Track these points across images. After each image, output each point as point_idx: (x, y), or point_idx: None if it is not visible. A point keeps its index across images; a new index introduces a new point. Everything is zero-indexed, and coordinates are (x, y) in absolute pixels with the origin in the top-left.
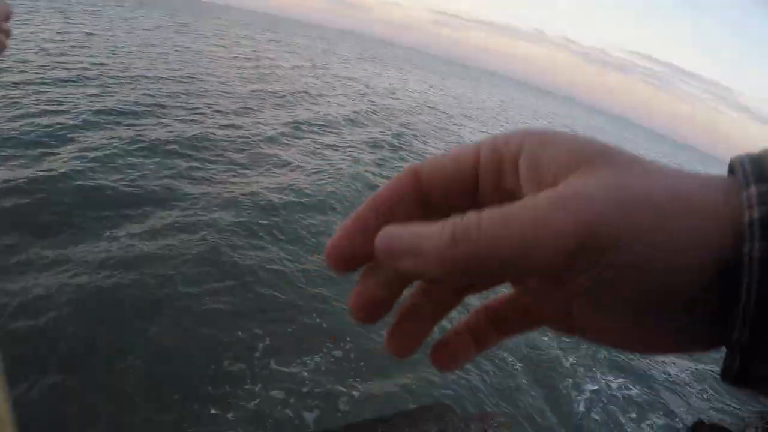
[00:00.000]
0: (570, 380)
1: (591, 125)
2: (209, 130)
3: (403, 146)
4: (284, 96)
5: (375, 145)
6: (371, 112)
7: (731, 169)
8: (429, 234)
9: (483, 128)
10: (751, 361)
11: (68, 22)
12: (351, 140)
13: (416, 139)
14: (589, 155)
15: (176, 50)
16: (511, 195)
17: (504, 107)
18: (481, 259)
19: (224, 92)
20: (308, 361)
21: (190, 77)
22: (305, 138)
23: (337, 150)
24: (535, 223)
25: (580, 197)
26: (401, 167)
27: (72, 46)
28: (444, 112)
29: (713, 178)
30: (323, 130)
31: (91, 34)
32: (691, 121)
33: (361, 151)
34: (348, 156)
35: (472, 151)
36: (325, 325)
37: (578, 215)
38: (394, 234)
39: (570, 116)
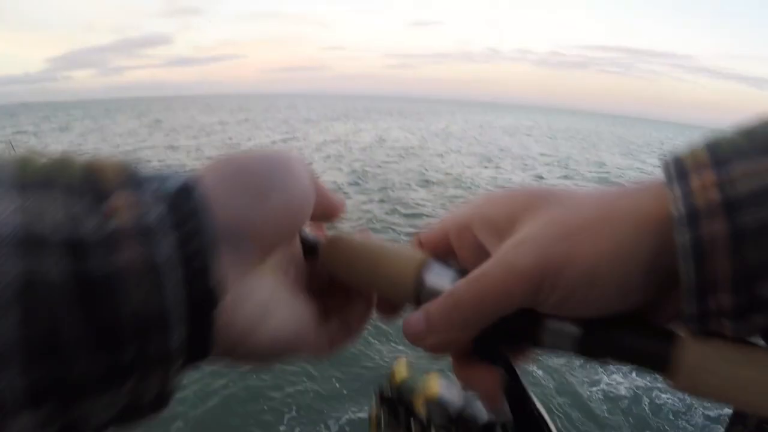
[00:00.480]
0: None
1: (568, 127)
2: None
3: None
4: None
5: (384, 200)
6: (367, 171)
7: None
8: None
9: (474, 161)
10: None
11: None
12: (365, 206)
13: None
14: (526, 204)
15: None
16: (481, 251)
17: (483, 131)
18: (476, 308)
19: None
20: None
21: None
22: None
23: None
24: (505, 272)
25: (528, 241)
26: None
27: None
28: (441, 155)
29: (641, 183)
30: None
31: None
32: (660, 97)
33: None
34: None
35: (440, 231)
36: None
37: (532, 255)
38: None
39: (547, 124)
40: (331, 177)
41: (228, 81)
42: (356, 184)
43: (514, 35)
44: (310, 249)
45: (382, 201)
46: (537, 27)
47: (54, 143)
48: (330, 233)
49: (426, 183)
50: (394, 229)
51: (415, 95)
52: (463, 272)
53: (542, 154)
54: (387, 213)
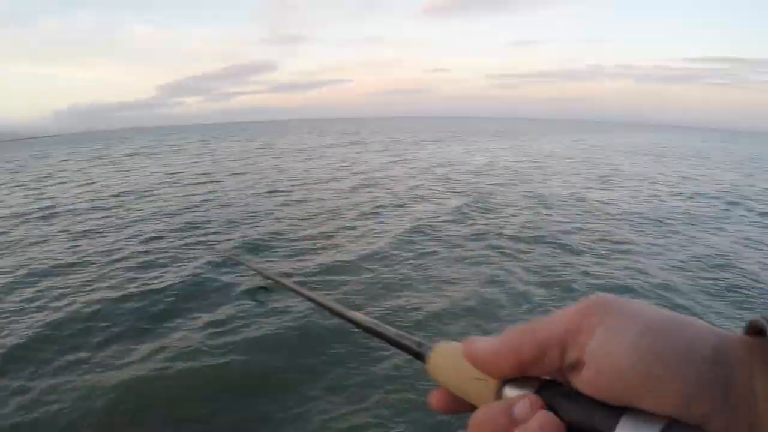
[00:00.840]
0: None
1: (677, 143)
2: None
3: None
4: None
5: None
6: (481, 194)
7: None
8: None
9: (588, 181)
10: None
11: None
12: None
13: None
14: (591, 314)
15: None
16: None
17: (592, 151)
18: None
19: (334, 209)
20: None
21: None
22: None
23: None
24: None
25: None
26: None
27: None
28: (555, 175)
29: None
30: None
31: None
32: None
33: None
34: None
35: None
36: None
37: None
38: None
39: (656, 141)
40: (451, 201)
41: (333, 105)
42: (473, 206)
43: (617, 51)
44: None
45: (499, 223)
46: (639, 41)
47: (173, 163)
48: (438, 343)
49: (550, 206)
50: (518, 257)
51: (519, 115)
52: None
53: (660, 174)
54: (511, 239)
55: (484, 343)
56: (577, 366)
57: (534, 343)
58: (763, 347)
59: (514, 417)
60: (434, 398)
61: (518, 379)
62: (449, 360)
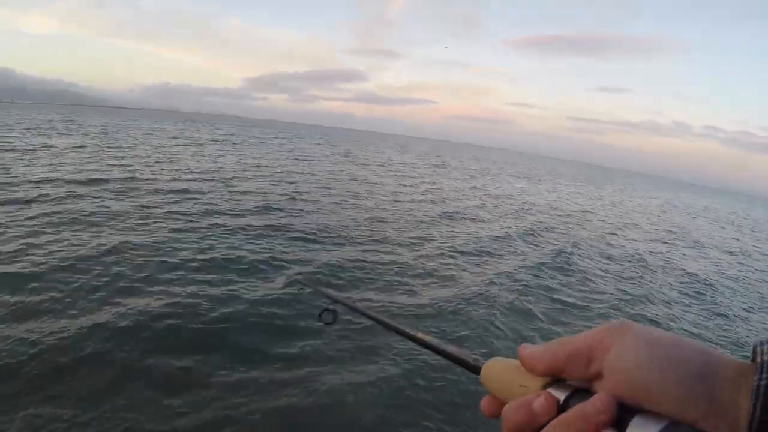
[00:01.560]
0: None
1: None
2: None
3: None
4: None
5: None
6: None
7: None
8: None
9: (652, 239)
10: None
11: None
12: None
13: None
14: (610, 335)
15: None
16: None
17: (665, 209)
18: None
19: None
20: None
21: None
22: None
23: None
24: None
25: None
26: None
27: None
28: (621, 229)
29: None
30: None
31: None
32: None
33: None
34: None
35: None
36: None
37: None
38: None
39: (733, 210)
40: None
41: (416, 123)
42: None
43: (702, 110)
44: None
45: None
46: (726, 104)
47: (255, 155)
48: (489, 359)
49: (609, 259)
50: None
51: (596, 161)
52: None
53: (734, 238)
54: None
55: (531, 348)
56: (599, 376)
57: (565, 352)
58: (750, 370)
59: (533, 410)
60: (484, 404)
61: (555, 386)
62: (499, 372)
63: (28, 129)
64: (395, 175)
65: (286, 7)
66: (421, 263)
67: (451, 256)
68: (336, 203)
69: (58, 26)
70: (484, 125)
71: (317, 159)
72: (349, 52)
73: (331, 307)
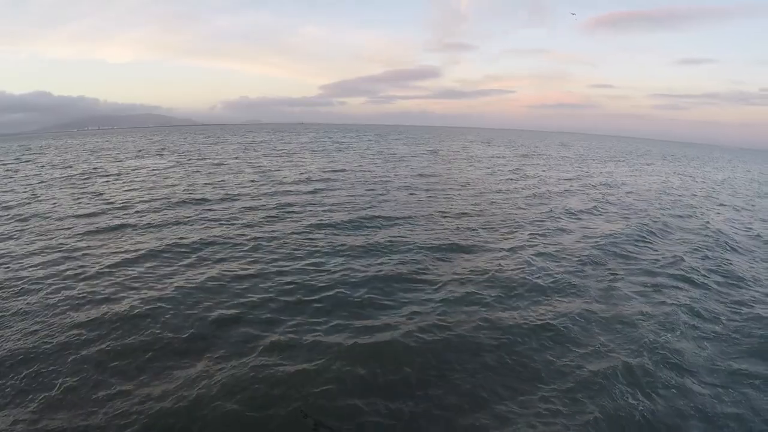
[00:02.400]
0: None
1: None
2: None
3: None
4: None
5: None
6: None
7: None
8: None
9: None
10: None
11: None
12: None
13: None
14: None
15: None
16: None
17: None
18: None
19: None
20: None
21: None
22: None
23: None
24: None
25: None
26: None
27: None
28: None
29: None
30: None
31: None
32: None
33: None
34: None
35: None
36: None
37: None
38: None
39: None
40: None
41: (495, 115)
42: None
43: None
44: None
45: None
46: None
47: (340, 158)
48: None
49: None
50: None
51: (684, 138)
52: None
53: None
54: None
55: None
56: None
57: None
58: None
59: None
60: None
61: None
62: None
63: (121, 153)
64: (494, 169)
65: (358, 12)
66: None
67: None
68: (450, 199)
69: (137, 53)
70: (566, 111)
71: (407, 158)
72: (424, 50)
73: None
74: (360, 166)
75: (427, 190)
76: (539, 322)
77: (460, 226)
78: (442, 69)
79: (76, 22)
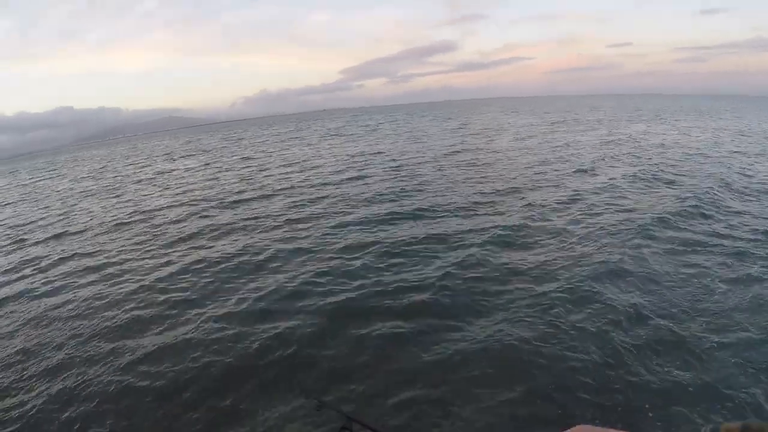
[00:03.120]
0: None
1: None
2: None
3: None
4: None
5: None
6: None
7: None
8: None
9: None
10: None
11: None
12: None
13: None
14: None
15: None
16: None
17: None
18: None
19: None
20: None
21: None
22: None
23: None
24: None
25: None
26: None
27: None
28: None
29: None
30: None
31: None
32: None
33: None
34: None
35: None
36: None
37: None
38: None
39: None
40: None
41: (516, 84)
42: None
43: None
44: None
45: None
46: None
47: (368, 143)
48: None
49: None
50: None
51: (708, 91)
52: None
53: None
54: None
55: None
56: None
57: None
58: None
59: None
60: None
61: None
62: None
63: (149, 157)
64: (530, 139)
65: None
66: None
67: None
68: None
69: (153, 59)
70: (588, 74)
71: (440, 135)
72: (438, 25)
73: (347, 426)
74: (395, 147)
75: (475, 166)
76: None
77: (520, 205)
78: (458, 42)
79: (91, 34)
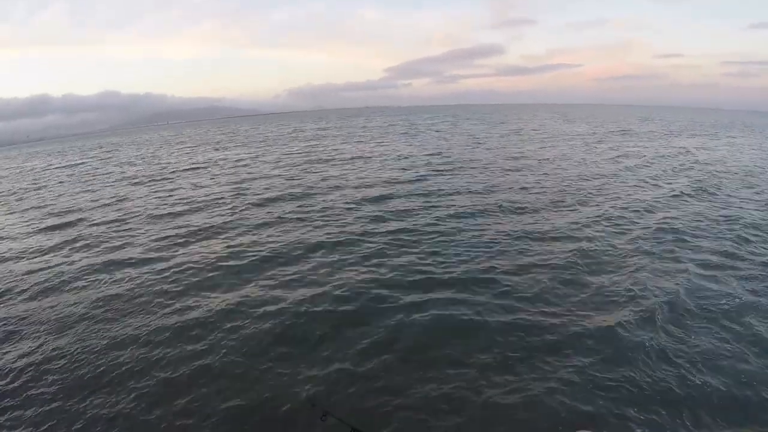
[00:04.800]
0: None
1: None
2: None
3: None
4: None
5: None
6: None
7: None
8: None
9: None
10: None
11: None
12: None
13: None
14: None
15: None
16: None
17: None
18: None
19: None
20: None
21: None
22: None
23: None
24: None
25: None
26: None
27: None
28: None
29: None
30: None
31: None
32: None
33: None
34: None
35: None
36: None
37: None
38: None
39: None
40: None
41: (562, 90)
42: None
43: None
44: None
45: None
46: None
47: (426, 142)
48: None
49: None
50: None
51: (756, 106)
52: None
53: None
54: None
55: None
56: None
57: None
58: None
59: None
60: None
61: None
62: None
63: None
64: (590, 148)
65: None
66: None
67: None
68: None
69: (200, 49)
70: (634, 83)
71: (495, 139)
72: (485, 27)
73: None
74: (450, 149)
75: (545, 174)
76: None
77: (589, 217)
78: (504, 46)
79: (140, 22)
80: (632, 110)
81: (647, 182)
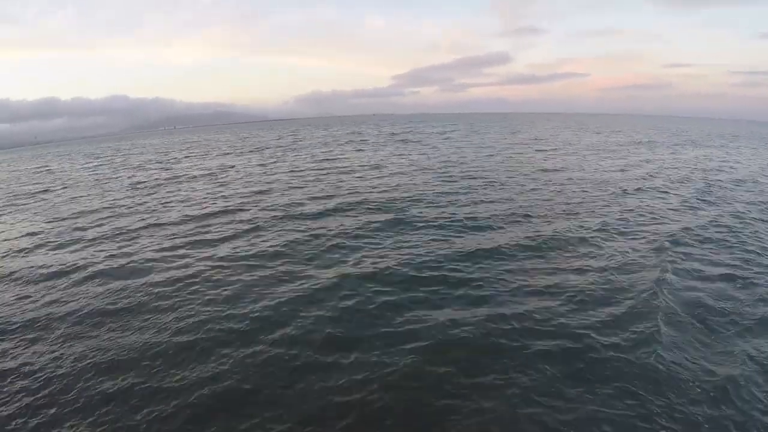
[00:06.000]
0: None
1: None
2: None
3: None
4: None
5: None
6: None
7: None
8: None
9: None
10: None
11: None
12: None
13: None
14: None
15: None
16: None
17: None
18: None
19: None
20: None
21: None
22: None
23: None
24: None
25: None
26: None
27: None
28: None
29: None
30: None
31: None
32: None
33: None
34: None
35: None
36: None
37: None
38: None
39: None
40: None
41: (570, 99)
42: None
43: None
44: None
45: None
46: None
47: (441, 146)
48: None
49: None
50: None
51: (763, 117)
52: None
53: None
54: None
55: None
56: None
57: None
58: None
59: None
60: None
61: None
62: None
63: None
64: (613, 159)
65: (426, 1)
66: None
67: None
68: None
69: (208, 54)
70: (641, 93)
71: (513, 148)
72: (493, 36)
73: None
74: (472, 159)
75: (581, 189)
76: None
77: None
78: (512, 54)
79: (148, 27)
80: (641, 120)
81: (692, 203)
